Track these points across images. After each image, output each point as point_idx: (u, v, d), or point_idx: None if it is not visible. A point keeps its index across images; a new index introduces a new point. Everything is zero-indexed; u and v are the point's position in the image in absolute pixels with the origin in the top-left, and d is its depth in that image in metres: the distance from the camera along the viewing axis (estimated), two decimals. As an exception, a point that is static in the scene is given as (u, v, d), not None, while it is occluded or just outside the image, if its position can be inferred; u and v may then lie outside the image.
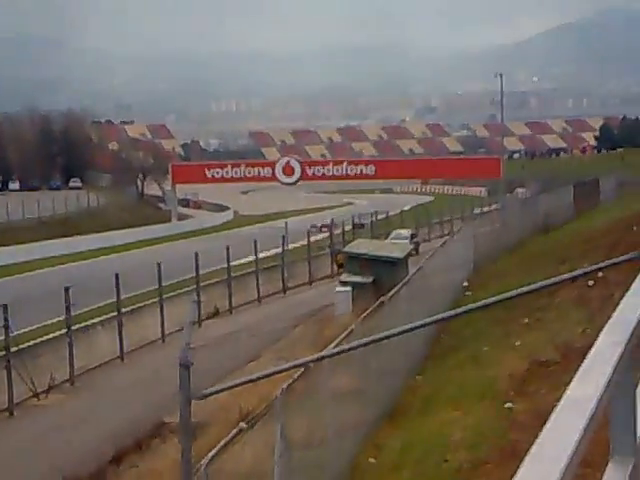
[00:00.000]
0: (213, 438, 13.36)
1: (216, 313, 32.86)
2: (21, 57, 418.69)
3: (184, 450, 8.14)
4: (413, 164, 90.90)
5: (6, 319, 20.81)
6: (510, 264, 29.73)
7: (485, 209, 62.51)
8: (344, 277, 29.05)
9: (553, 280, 6.67)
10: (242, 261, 39.05)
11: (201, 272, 32.43)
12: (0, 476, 16.26)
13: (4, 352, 20.88)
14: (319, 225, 62.22)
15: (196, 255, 31.84)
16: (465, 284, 26.77)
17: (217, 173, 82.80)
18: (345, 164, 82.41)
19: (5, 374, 20.59)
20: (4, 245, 55.82)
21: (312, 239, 43.94)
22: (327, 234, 51.92)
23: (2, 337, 20.98)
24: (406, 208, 70.86)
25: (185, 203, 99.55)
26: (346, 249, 32.37)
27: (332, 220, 55.14)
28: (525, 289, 6.25)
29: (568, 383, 2.43)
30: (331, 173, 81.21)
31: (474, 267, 30.24)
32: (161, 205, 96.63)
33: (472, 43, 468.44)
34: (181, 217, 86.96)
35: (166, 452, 15.32)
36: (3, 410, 20.43)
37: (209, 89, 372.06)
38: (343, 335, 13.37)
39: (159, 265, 29.10)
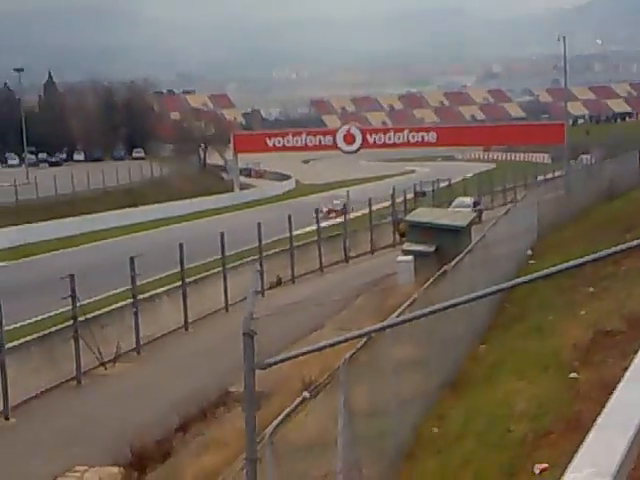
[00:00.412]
0: (277, 407, 13.45)
1: (279, 283, 33.04)
2: (83, 27, 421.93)
3: (248, 419, 8.20)
4: (475, 131, 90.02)
5: (73, 289, 21.15)
6: (575, 232, 29.39)
7: (549, 176, 61.79)
8: (406, 246, 28.96)
9: (619, 248, 6.58)
10: (304, 230, 39.16)
11: (264, 241, 32.63)
12: (68, 445, 16.59)
13: (72, 322, 21.26)
14: (325, 209, 52.27)
15: (258, 225, 32.02)
16: (529, 252, 26.53)
17: (278, 142, 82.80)
18: (406, 131, 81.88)
19: (73, 343, 20.97)
20: (70, 216, 56.69)
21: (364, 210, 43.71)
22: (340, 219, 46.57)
23: (70, 307, 21.34)
24: (468, 175, 70.41)
25: (247, 172, 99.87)
26: (408, 218, 32.24)
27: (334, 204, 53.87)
28: (590, 257, 6.16)
29: (634, 353, 2.40)
30: (392, 141, 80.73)
31: (538, 235, 29.94)
32: (223, 175, 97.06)
33: (533, 6, 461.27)
34: (243, 186, 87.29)
35: (231, 421, 15.50)
36: (71, 379, 20.82)
37: (269, 57, 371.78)
38: (406, 304, 13.35)
39: (222, 235, 29.31)
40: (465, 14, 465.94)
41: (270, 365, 8.31)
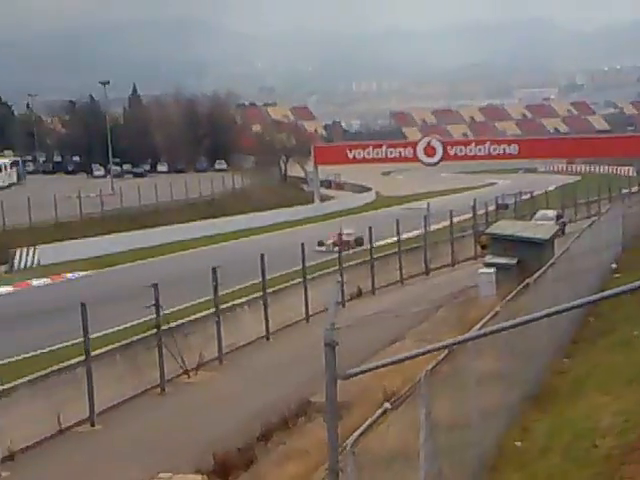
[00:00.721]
0: (358, 418, 13.47)
1: (359, 294, 33.05)
2: (169, 40, 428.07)
3: (330, 429, 8.21)
4: (558, 143, 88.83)
5: (157, 298, 21.45)
6: (661, 245, 28.88)
7: (634, 189, 60.75)
8: (488, 258, 28.77)
9: None
10: (384, 242, 39.10)
11: (344, 253, 32.67)
12: (152, 452, 16.81)
13: (155, 330, 21.57)
14: (330, 241, 45.22)
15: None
16: (613, 266, 26.14)
17: (359, 154, 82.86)
18: (488, 144, 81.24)
19: (156, 351, 21.26)
20: (153, 226, 57.49)
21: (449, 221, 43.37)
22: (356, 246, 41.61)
23: (153, 316, 21.65)
24: (551, 188, 69.54)
25: (327, 184, 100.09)
26: (490, 230, 32.01)
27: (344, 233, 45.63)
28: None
29: None
30: (473, 153, 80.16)
31: (623, 248, 29.47)
32: (304, 186, 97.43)
33: (616, 18, 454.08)
34: (323, 198, 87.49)
35: (312, 430, 15.55)
36: (155, 386, 21.12)
37: (350, 69, 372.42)
38: (488, 317, 13.26)
39: (302, 246, 29.44)
40: (548, 26, 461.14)
41: (351, 376, 8.33)
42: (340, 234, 46.36)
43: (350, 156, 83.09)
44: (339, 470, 8.19)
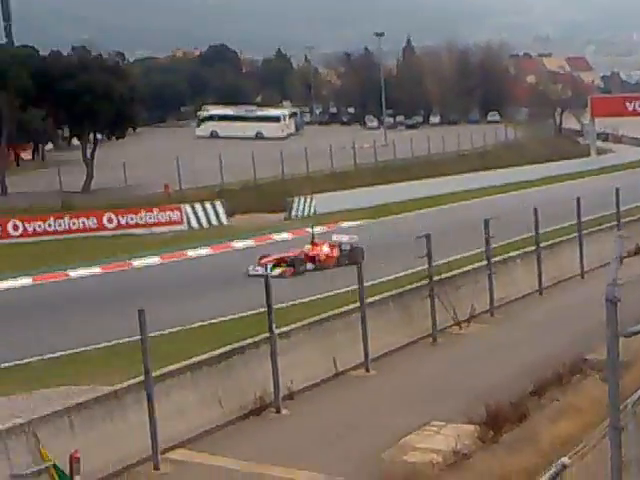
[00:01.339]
0: (637, 377, 13.11)
1: (637, 251, 31.81)
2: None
3: (611, 387, 8.06)
4: None
5: (429, 249, 21.67)
6: None
7: None
8: None
9: None
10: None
11: (622, 208, 31.59)
12: (422, 400, 17.05)
13: (427, 281, 21.81)
14: (270, 258, 30.85)
15: (617, 190, 31.04)
16: None
17: (638, 106, 79.65)
18: None
19: (428, 301, 21.51)
20: (426, 178, 57.92)
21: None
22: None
23: (426, 266, 21.90)
24: None
25: (604, 137, 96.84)
26: None
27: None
28: None
29: None
30: None
31: None
32: (579, 139, 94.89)
33: None
34: (600, 151, 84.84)
35: (586, 388, 15.26)
36: (427, 336, 21.39)
37: (631, 18, 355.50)
38: None
39: (578, 200, 28.70)
40: None
41: (634, 334, 8.11)
42: (315, 243, 31.90)
43: (629, 108, 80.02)
44: (621, 428, 8.04)
